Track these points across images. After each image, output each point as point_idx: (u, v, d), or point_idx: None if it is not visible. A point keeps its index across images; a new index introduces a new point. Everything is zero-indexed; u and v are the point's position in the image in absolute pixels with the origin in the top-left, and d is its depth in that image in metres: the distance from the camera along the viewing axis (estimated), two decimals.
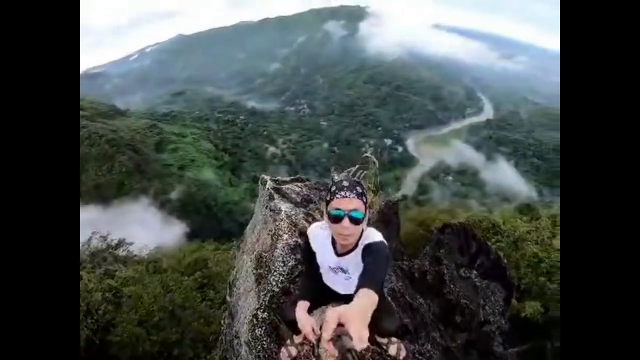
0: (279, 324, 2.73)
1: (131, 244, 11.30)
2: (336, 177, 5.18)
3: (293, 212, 3.68)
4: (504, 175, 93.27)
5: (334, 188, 2.00)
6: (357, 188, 1.98)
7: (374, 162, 4.36)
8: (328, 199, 2.01)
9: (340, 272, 2.25)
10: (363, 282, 1.69)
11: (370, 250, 1.98)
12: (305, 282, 2.52)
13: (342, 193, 1.94)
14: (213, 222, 62.84)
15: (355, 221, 1.94)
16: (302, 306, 2.29)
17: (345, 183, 1.99)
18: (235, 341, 3.34)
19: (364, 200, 1.98)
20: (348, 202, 1.92)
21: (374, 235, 2.07)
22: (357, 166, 4.44)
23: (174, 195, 68.89)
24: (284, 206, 3.73)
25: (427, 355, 3.05)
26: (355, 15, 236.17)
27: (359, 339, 1.21)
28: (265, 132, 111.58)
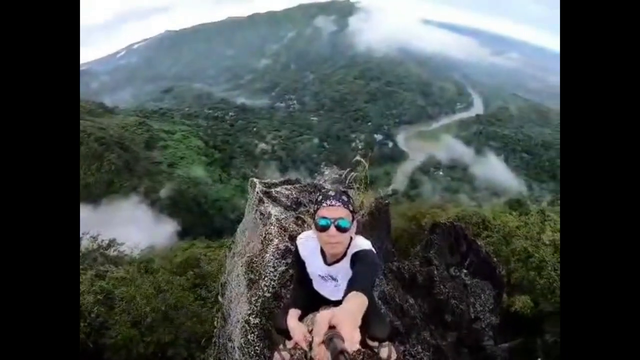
0: (271, 329, 2.75)
1: (122, 244, 11.20)
2: (326, 173, 5.19)
3: (283, 216, 3.68)
4: (494, 170, 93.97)
5: (320, 197, 2.05)
6: (343, 197, 2.03)
7: (364, 164, 4.39)
8: (315, 209, 2.05)
9: (330, 279, 2.29)
10: (352, 286, 1.72)
11: (358, 258, 2.02)
12: (296, 289, 2.54)
13: (328, 202, 1.99)
14: (204, 220, 62.61)
15: (342, 229, 1.98)
16: (293, 314, 2.31)
17: (332, 192, 2.05)
18: (229, 344, 3.35)
19: (350, 208, 2.02)
20: (334, 211, 1.97)
21: (363, 244, 2.11)
22: (347, 169, 4.46)
23: (164, 193, 68.39)
24: (274, 210, 3.73)
25: (418, 356, 3.09)
26: (345, 11, 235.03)
27: (351, 340, 1.24)
28: (255, 129, 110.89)
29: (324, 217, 1.98)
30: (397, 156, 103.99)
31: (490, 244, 7.67)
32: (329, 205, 1.98)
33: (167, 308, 6.87)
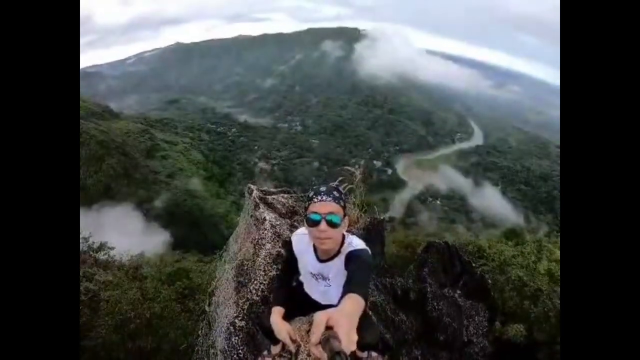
0: (256, 333, 2.66)
1: (112, 248, 11.07)
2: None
3: (277, 223, 3.64)
4: (491, 201, 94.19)
5: (311, 193, 2.02)
6: (334, 192, 2.00)
7: (356, 175, 4.37)
8: (306, 205, 2.02)
9: (320, 279, 2.23)
10: (349, 287, 1.69)
11: (353, 258, 1.98)
12: (280, 288, 2.48)
13: (319, 197, 1.96)
14: (197, 234, 62.11)
15: (332, 224, 1.94)
16: (276, 312, 2.24)
17: (323, 188, 2.01)
18: (212, 350, 3.25)
19: (342, 205, 1.99)
20: (324, 206, 1.94)
21: (358, 243, 2.07)
22: (340, 178, 4.43)
23: (159, 203, 68.11)
24: (269, 216, 3.69)
25: None
26: (352, 37, 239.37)
27: (348, 341, 1.23)
28: (256, 147, 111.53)
29: (315, 212, 1.94)
30: (396, 184, 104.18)
31: (486, 272, 7.59)
32: (320, 200, 1.95)
33: (152, 316, 6.71)
